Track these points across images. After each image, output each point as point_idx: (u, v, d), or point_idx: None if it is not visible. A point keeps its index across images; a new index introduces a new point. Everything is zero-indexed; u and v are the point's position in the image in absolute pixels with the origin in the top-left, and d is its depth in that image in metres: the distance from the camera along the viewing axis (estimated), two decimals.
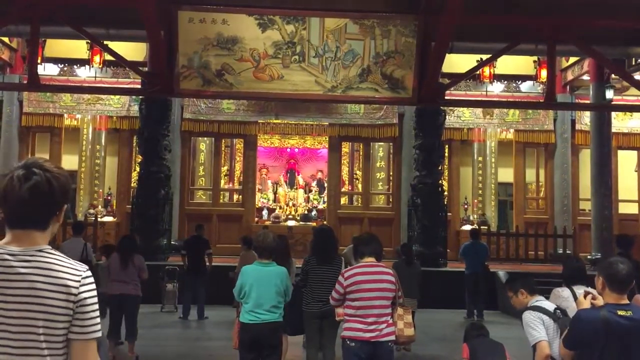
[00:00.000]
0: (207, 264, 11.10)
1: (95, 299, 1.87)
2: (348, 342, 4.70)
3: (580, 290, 4.35)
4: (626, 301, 3.33)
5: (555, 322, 4.22)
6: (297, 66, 8.91)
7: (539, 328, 4.11)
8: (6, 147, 15.89)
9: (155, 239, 13.38)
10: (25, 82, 14.07)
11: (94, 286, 1.88)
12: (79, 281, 1.83)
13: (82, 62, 15.50)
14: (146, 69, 12.65)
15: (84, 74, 15.80)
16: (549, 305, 4.32)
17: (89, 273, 1.88)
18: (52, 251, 1.87)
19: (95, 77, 15.67)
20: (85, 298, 1.83)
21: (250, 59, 8.84)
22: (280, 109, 16.27)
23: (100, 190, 16.29)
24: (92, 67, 15.33)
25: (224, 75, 8.88)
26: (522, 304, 4.43)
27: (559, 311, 4.26)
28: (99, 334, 1.86)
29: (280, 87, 9.02)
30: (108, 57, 13.79)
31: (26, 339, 1.78)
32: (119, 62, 13.61)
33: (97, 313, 1.86)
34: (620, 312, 3.24)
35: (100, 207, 16.06)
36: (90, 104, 16.22)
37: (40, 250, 1.85)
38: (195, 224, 12.69)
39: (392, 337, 4.68)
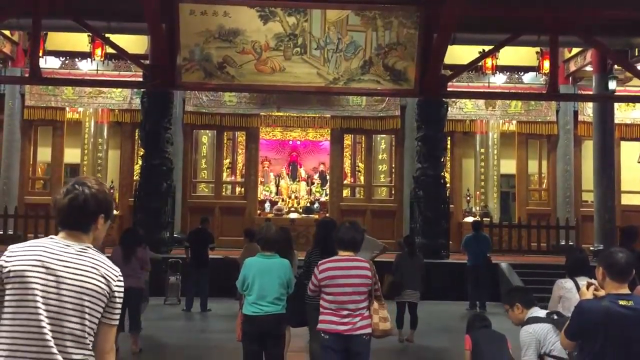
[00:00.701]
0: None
1: (122, 295, 2.35)
2: (322, 335, 4.70)
3: (583, 281, 4.36)
4: (627, 291, 3.34)
5: (552, 323, 4.28)
6: (298, 58, 8.90)
7: (529, 349, 4.22)
8: (9, 141, 15.90)
9: (158, 232, 13.40)
10: (27, 75, 14.10)
11: (122, 285, 2.37)
12: (116, 279, 2.33)
13: (84, 55, 15.49)
14: (148, 61, 12.63)
15: (85, 67, 15.78)
16: (542, 313, 4.39)
17: (121, 275, 2.38)
18: (95, 250, 2.36)
19: (97, 70, 15.65)
20: (118, 292, 2.34)
21: (251, 51, 8.84)
22: (282, 102, 16.25)
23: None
24: (94, 60, 15.31)
25: (226, 68, 8.88)
26: (518, 319, 4.50)
27: (553, 315, 4.33)
28: (117, 322, 2.35)
29: (282, 79, 9.02)
30: (110, 50, 13.77)
31: (75, 315, 2.23)
32: (120, 55, 13.60)
33: (121, 306, 2.36)
34: (621, 302, 3.24)
35: None
36: (92, 97, 16.21)
37: (84, 249, 2.33)
38: (198, 216, 12.70)
39: (368, 330, 4.62)
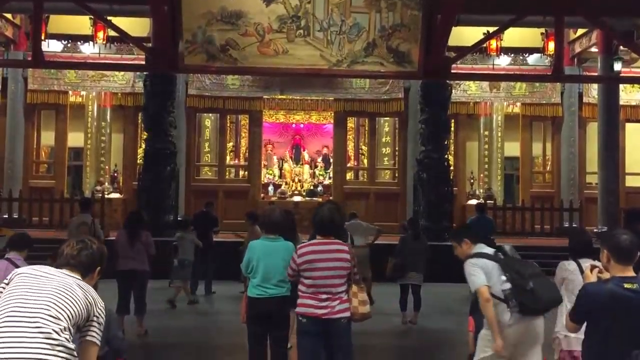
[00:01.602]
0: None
1: (102, 321, 2.82)
2: (300, 319, 4.70)
3: (586, 263, 4.36)
4: (632, 273, 3.33)
5: (498, 262, 4.39)
6: (302, 40, 8.83)
7: (477, 274, 4.35)
8: (12, 124, 15.92)
9: (162, 215, 13.44)
10: (29, 59, 14.06)
11: (104, 313, 2.84)
12: (99, 305, 2.80)
13: (86, 39, 15.43)
14: (150, 44, 12.57)
15: (87, 50, 15.73)
16: (490, 250, 4.52)
17: (104, 307, 2.84)
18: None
19: (99, 53, 15.60)
20: (98, 316, 2.78)
21: (254, 33, 8.77)
22: (285, 85, 16.19)
23: (107, 167, 16.33)
24: (96, 43, 15.24)
25: (229, 51, 8.81)
26: (465, 254, 4.62)
27: (499, 253, 4.45)
28: (97, 343, 2.77)
29: (285, 61, 8.96)
30: (112, 33, 13.72)
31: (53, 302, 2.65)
32: (122, 38, 13.53)
33: (99, 331, 2.79)
34: (626, 285, 3.24)
35: (106, 184, 16.12)
36: (94, 81, 16.18)
37: (78, 279, 2.82)
38: (202, 200, 12.73)
39: (346, 314, 4.60)
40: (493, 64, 16.15)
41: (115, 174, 16.46)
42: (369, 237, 10.39)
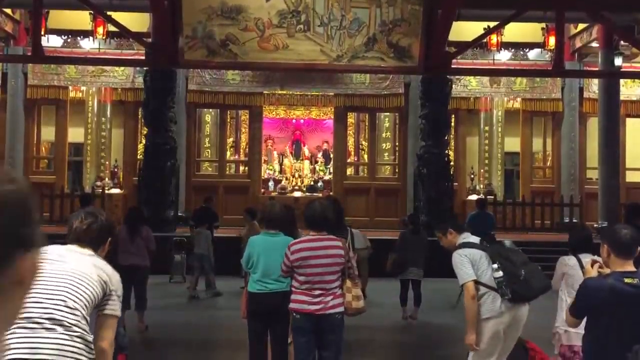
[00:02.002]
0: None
1: (120, 291, 2.86)
2: (294, 315, 4.70)
3: (586, 258, 4.37)
4: (632, 268, 3.33)
5: (485, 251, 4.45)
6: (302, 35, 8.83)
7: (466, 268, 4.41)
8: (12, 120, 15.90)
9: (163, 211, 13.44)
10: (29, 54, 14.04)
11: (120, 283, 2.88)
12: (114, 279, 2.84)
13: (86, 34, 15.40)
14: (150, 39, 12.56)
15: (87, 45, 15.70)
16: (475, 239, 4.59)
17: (119, 277, 2.89)
18: (100, 257, 2.88)
19: (99, 48, 15.56)
20: (115, 288, 2.82)
21: (254, 28, 8.77)
22: (285, 80, 16.16)
23: (107, 163, 16.32)
24: (96, 38, 15.22)
25: (229, 46, 8.82)
26: (451, 244, 4.72)
27: (485, 242, 4.55)
28: (118, 314, 2.86)
29: (285, 56, 8.97)
30: (112, 28, 13.68)
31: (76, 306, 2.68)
32: (122, 33, 13.52)
33: (120, 302, 2.86)
34: (627, 280, 3.24)
35: (107, 179, 16.12)
36: (94, 76, 16.15)
37: (90, 254, 2.87)
38: (202, 195, 12.72)
39: (340, 309, 4.60)
40: (493, 59, 16.12)
41: (116, 170, 16.46)
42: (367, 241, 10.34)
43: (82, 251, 2.82)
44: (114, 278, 2.82)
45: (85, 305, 2.69)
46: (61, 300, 2.65)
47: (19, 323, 2.61)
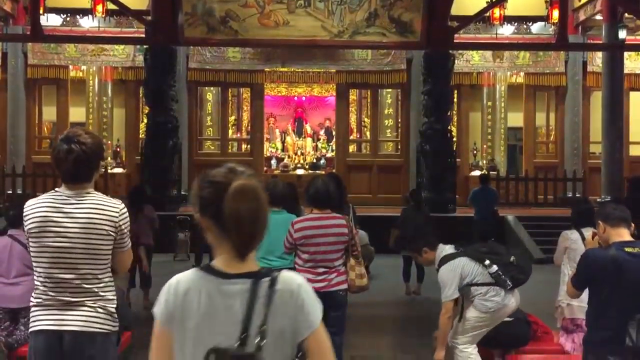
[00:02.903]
0: None
1: (128, 224, 2.86)
2: None
3: (588, 232, 4.38)
4: (631, 238, 3.37)
5: (466, 255, 4.56)
6: (302, 11, 8.75)
7: (453, 285, 4.47)
8: (14, 100, 15.86)
9: (166, 190, 13.46)
10: (28, 33, 13.96)
11: (127, 215, 2.87)
12: (119, 214, 2.82)
13: (85, 12, 15.25)
14: (150, 17, 12.45)
15: (87, 24, 15.58)
16: (451, 247, 4.69)
17: (123, 206, 2.84)
18: (95, 192, 2.83)
19: (99, 27, 15.45)
20: (123, 224, 2.84)
21: (254, 4, 8.69)
22: (286, 57, 16.05)
23: (109, 142, 16.30)
24: (95, 17, 15.08)
25: (229, 22, 8.75)
26: (429, 261, 4.82)
27: (459, 248, 4.65)
28: (130, 246, 2.90)
29: (286, 33, 8.90)
30: (111, 6, 13.57)
31: (88, 248, 2.77)
32: (122, 11, 13.41)
33: (128, 233, 2.87)
34: (627, 249, 3.27)
35: (109, 158, 16.12)
36: (94, 55, 16.06)
37: (88, 193, 2.81)
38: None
39: (344, 286, 4.61)
40: (496, 33, 15.96)
41: (118, 149, 16.45)
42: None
43: (82, 191, 2.78)
44: (121, 213, 2.82)
45: (104, 262, 2.80)
46: (77, 269, 2.76)
47: (45, 297, 2.76)
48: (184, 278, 1.80)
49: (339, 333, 4.78)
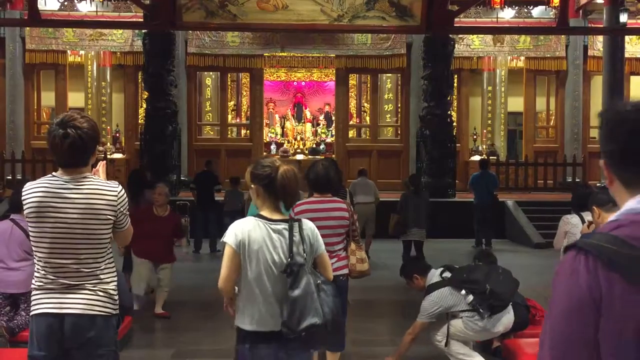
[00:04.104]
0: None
1: (127, 205, 2.90)
2: None
3: (588, 216, 4.38)
4: None
5: (450, 285, 4.65)
6: None
7: (429, 314, 4.65)
8: (12, 85, 15.81)
9: (165, 175, 13.46)
10: (25, 17, 13.86)
11: (125, 197, 2.88)
12: (117, 197, 2.83)
13: None
14: (147, 1, 12.36)
15: (84, 8, 15.48)
16: (437, 276, 4.77)
17: (121, 187, 2.87)
18: (92, 176, 2.83)
19: (97, 11, 15.35)
20: (122, 205, 2.86)
21: None
22: (286, 41, 15.97)
23: (108, 127, 16.27)
24: (93, 1, 14.99)
25: (227, 6, 8.67)
26: (420, 287, 4.90)
27: (445, 273, 4.75)
28: (129, 224, 2.93)
29: (285, 17, 8.83)
30: None
31: (87, 234, 2.77)
32: None
33: (127, 213, 2.90)
34: None
35: (108, 144, 16.09)
36: (93, 40, 15.98)
37: (85, 177, 2.79)
38: (205, 159, 12.73)
39: (345, 271, 4.60)
40: (497, 17, 15.88)
41: (117, 134, 16.42)
42: (375, 194, 10.40)
43: (79, 175, 2.76)
44: (119, 197, 2.83)
45: (104, 241, 2.81)
46: (76, 258, 2.77)
47: (45, 281, 2.77)
48: (246, 221, 2.86)
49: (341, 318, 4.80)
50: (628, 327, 1.13)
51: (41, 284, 2.79)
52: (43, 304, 2.76)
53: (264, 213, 2.87)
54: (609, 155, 1.27)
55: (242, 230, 2.80)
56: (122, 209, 2.85)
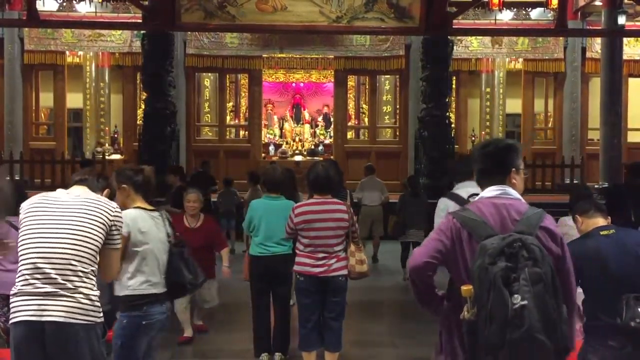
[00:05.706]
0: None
1: (122, 223, 3.00)
2: (298, 277, 4.73)
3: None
4: (605, 222, 3.55)
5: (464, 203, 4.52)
6: None
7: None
8: (10, 85, 15.78)
9: (164, 176, 13.43)
10: (24, 18, 13.85)
11: (121, 218, 3.00)
12: (112, 213, 2.92)
13: None
14: (146, 2, 12.36)
15: (83, 9, 15.47)
16: (465, 193, 4.55)
17: (119, 208, 3.00)
18: (92, 193, 3.00)
19: (95, 12, 15.34)
20: (116, 222, 2.94)
21: None
22: (284, 43, 15.97)
23: (107, 128, 16.26)
24: (92, 1, 14.99)
25: (226, 7, 8.69)
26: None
27: (473, 196, 4.33)
28: (120, 246, 3.00)
29: (284, 18, 8.84)
30: None
31: (77, 234, 2.80)
32: None
33: (121, 233, 3.00)
34: (602, 232, 3.46)
35: (107, 145, 16.08)
36: (91, 41, 15.97)
37: (83, 194, 3.00)
38: (202, 160, 12.73)
39: (344, 272, 4.63)
40: (495, 19, 15.89)
41: (116, 135, 16.41)
42: (382, 195, 10.38)
43: (78, 192, 2.94)
44: (115, 212, 2.92)
45: (94, 251, 2.81)
46: (69, 264, 2.75)
47: (26, 286, 2.73)
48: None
49: (339, 318, 4.80)
50: (465, 256, 2.65)
51: (20, 289, 2.72)
52: (22, 310, 2.67)
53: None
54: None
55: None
56: (116, 223, 2.91)
